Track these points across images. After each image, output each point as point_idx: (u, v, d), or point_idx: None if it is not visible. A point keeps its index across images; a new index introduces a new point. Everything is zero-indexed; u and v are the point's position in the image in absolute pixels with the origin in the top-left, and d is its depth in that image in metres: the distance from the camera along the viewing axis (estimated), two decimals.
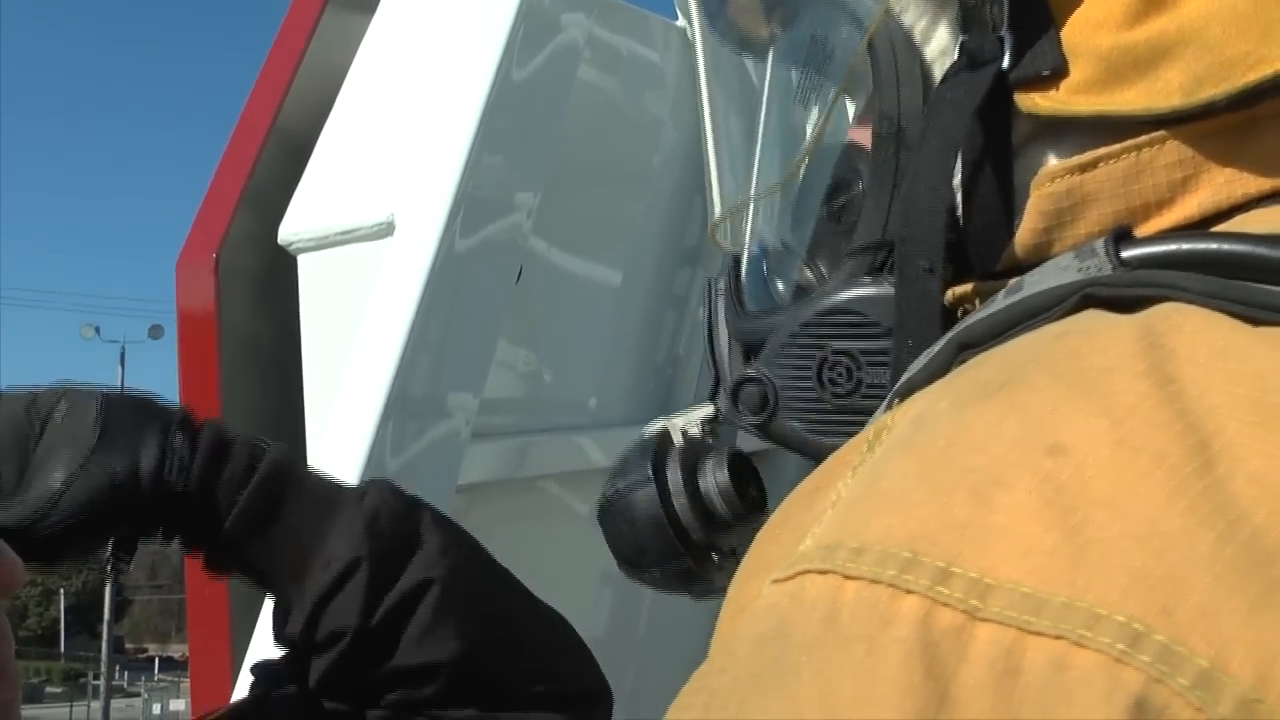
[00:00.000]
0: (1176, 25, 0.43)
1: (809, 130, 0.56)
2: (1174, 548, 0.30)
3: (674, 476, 0.60)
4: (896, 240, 0.48)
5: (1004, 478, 0.32)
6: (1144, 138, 0.43)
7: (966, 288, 0.47)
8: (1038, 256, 0.45)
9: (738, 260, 0.60)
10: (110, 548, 0.74)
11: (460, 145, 1.24)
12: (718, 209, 0.59)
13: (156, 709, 24.65)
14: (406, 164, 1.28)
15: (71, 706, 26.76)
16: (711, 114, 0.60)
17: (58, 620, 33.90)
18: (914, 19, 0.51)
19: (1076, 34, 0.45)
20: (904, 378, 0.43)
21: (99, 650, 24.81)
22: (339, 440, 1.15)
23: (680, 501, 0.59)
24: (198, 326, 1.43)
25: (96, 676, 25.32)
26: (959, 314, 0.47)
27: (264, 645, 1.07)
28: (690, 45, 0.61)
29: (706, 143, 0.60)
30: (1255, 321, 0.36)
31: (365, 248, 1.28)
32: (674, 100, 1.63)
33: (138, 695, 27.38)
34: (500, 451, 1.37)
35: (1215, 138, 0.43)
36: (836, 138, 0.57)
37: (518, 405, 1.46)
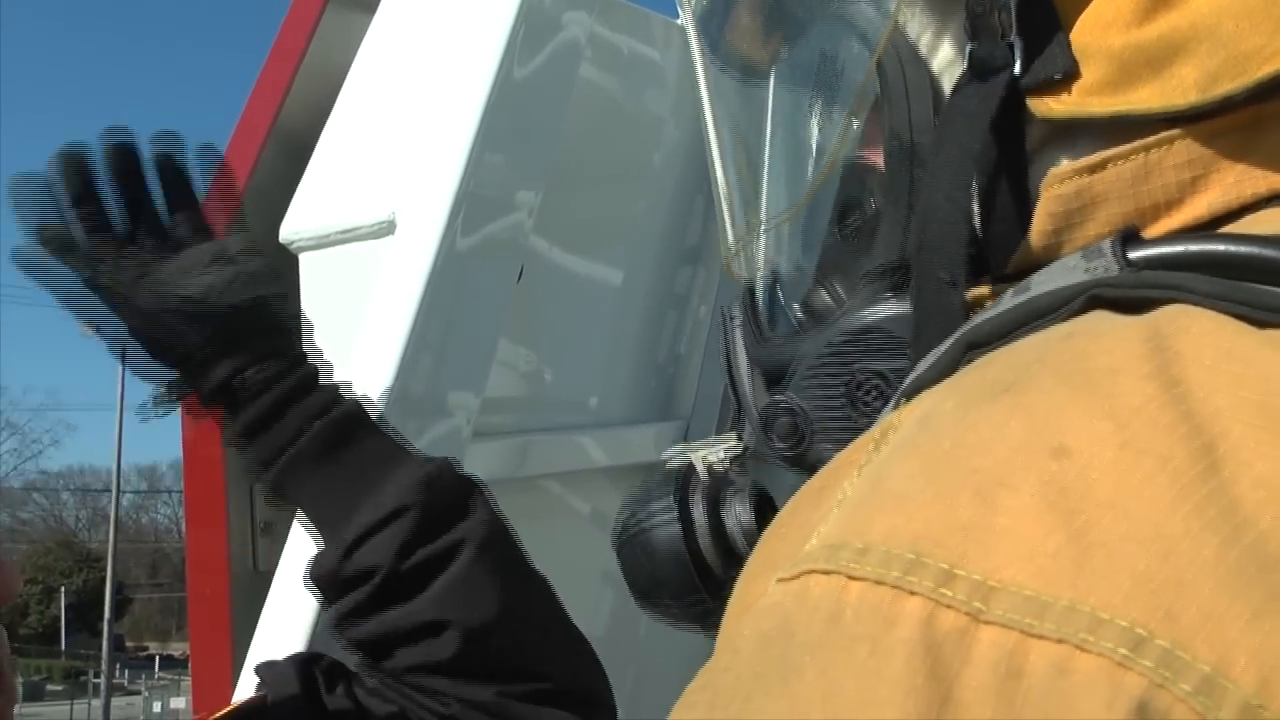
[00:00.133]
0: (1188, 22, 0.42)
1: (821, 153, 0.55)
2: (1178, 552, 0.30)
3: (699, 513, 0.59)
4: (914, 251, 0.47)
5: (1008, 479, 0.32)
6: (1153, 138, 0.43)
7: (983, 290, 0.47)
8: (1048, 258, 0.45)
9: (752, 289, 0.59)
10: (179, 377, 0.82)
11: (461, 144, 1.24)
12: (731, 239, 0.59)
13: (157, 707, 24.64)
14: (407, 163, 1.28)
15: (72, 704, 26.73)
16: (719, 142, 0.59)
17: (58, 618, 33.87)
18: (919, 31, 0.51)
19: (1086, 35, 0.44)
20: (911, 376, 0.43)
21: (99, 648, 24.80)
22: None
23: (705, 539, 0.59)
24: None
25: (97, 674, 25.31)
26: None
27: (265, 644, 1.07)
28: (695, 84, 0.61)
29: (715, 172, 0.59)
30: (1262, 324, 0.35)
31: (366, 247, 1.28)
32: (675, 99, 1.63)
33: (138, 693, 27.37)
34: (501, 450, 1.37)
35: (1224, 137, 0.43)
36: (849, 158, 0.56)
37: (519, 404, 1.46)
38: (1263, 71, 0.41)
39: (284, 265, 1.35)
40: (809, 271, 0.57)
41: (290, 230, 1.33)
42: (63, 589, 33.72)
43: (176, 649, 33.80)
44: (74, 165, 0.81)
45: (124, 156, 0.82)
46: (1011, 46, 0.45)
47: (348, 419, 0.79)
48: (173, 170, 0.84)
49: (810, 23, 0.56)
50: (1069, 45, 0.44)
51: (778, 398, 0.54)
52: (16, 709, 0.66)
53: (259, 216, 1.39)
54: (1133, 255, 0.40)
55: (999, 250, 0.47)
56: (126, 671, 32.28)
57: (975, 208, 0.47)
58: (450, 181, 1.23)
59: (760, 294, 0.59)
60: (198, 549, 1.47)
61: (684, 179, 1.64)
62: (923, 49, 0.51)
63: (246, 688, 1.04)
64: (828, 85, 0.55)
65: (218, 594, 1.41)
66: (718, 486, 0.60)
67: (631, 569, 0.61)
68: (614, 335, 1.62)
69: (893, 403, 0.43)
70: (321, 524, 0.78)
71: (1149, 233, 0.43)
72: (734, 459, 0.61)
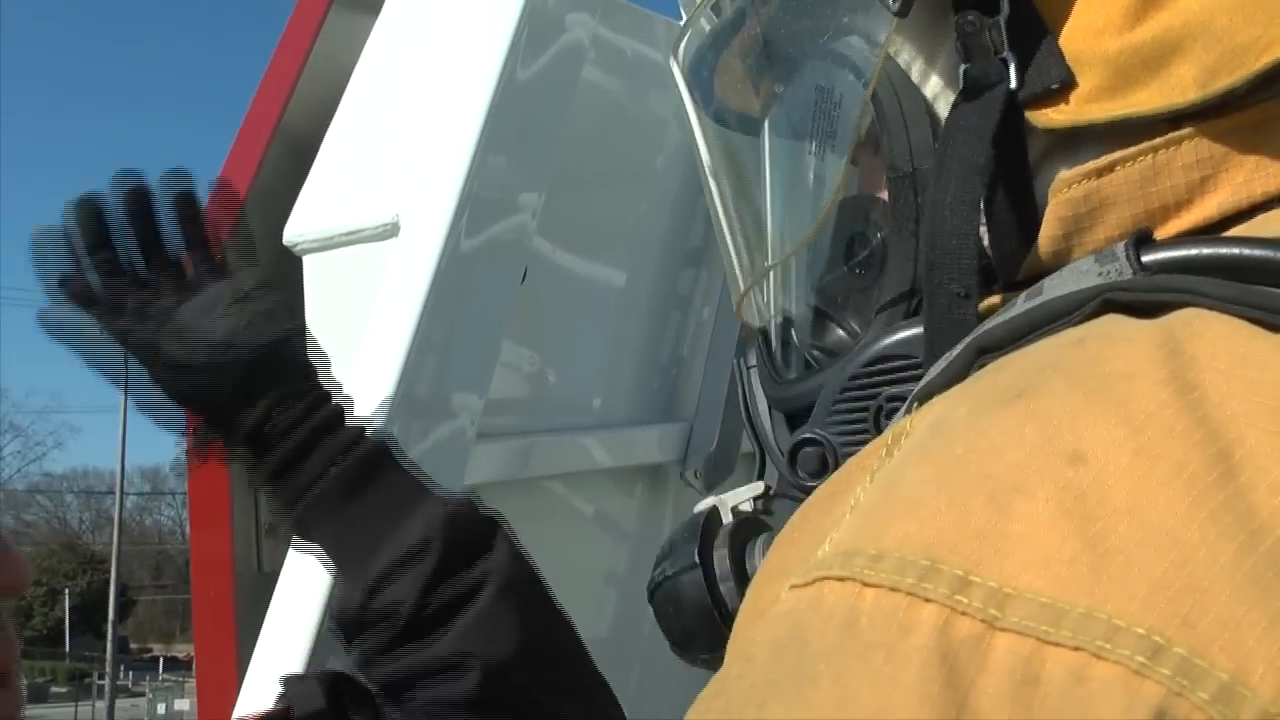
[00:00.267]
0: (1181, 20, 0.42)
1: (822, 189, 0.55)
2: (1194, 558, 0.30)
3: (720, 560, 0.59)
4: (925, 271, 0.47)
5: (1023, 485, 0.32)
6: (1160, 139, 0.43)
7: (994, 300, 0.47)
8: (1057, 264, 0.44)
9: (765, 332, 0.59)
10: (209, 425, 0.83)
11: (465, 146, 1.24)
12: (741, 285, 0.59)
13: (161, 709, 24.65)
14: (411, 165, 1.28)
15: (76, 706, 26.76)
16: (719, 192, 0.59)
17: (63, 620, 33.91)
18: (910, 58, 0.50)
19: (1078, 43, 0.44)
20: (923, 382, 0.42)
21: (104, 650, 24.82)
22: None
23: (727, 585, 0.59)
24: None
25: (101, 676, 25.34)
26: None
27: (270, 645, 1.07)
28: (694, 147, 0.61)
29: (718, 221, 0.59)
30: (1276, 328, 0.35)
31: (370, 248, 1.28)
32: (678, 100, 1.62)
33: (142, 695, 27.38)
34: (505, 452, 1.37)
35: (1232, 136, 0.42)
36: (850, 193, 0.56)
37: (522, 406, 1.46)
38: (1261, 62, 0.41)
39: (288, 267, 1.35)
40: (822, 309, 0.57)
41: (294, 232, 1.33)
42: (67, 591, 33.77)
43: (181, 650, 33.83)
44: (89, 213, 0.83)
45: (136, 200, 0.83)
46: (1005, 62, 0.45)
47: (371, 457, 0.79)
48: (185, 208, 0.84)
49: (802, 61, 0.56)
50: (1062, 55, 0.44)
51: (802, 433, 0.54)
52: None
53: (263, 218, 1.39)
54: (1146, 258, 0.40)
55: (1008, 261, 0.47)
56: (131, 673, 32.30)
57: (982, 220, 0.47)
58: (454, 183, 1.23)
59: (774, 337, 0.59)
60: (202, 550, 1.47)
61: (687, 180, 1.64)
62: (915, 76, 0.50)
63: (251, 689, 1.04)
64: (824, 121, 0.55)
65: (222, 595, 1.40)
66: (744, 533, 0.60)
67: (664, 621, 0.61)
68: (617, 336, 1.62)
69: (905, 407, 0.43)
70: (344, 562, 0.78)
71: (1159, 234, 0.43)
72: (757, 499, 0.61)
